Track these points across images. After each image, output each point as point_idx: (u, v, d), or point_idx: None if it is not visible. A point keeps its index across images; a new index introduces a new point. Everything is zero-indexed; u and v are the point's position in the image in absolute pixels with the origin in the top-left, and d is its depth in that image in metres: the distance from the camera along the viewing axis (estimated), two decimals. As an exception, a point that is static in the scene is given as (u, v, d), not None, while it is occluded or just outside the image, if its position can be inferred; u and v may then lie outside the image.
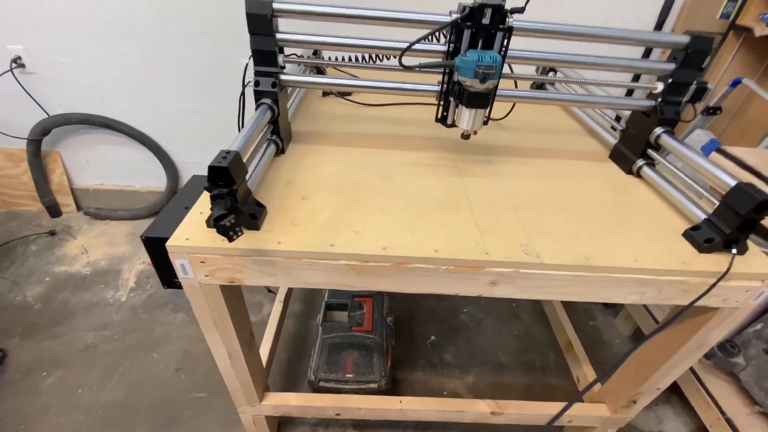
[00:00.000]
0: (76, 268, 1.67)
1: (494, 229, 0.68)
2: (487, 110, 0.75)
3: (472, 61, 0.66)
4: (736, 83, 1.31)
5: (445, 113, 0.81)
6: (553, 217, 0.73)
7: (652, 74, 0.82)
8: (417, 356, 1.40)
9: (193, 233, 0.61)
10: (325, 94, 1.20)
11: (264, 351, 1.11)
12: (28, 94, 1.63)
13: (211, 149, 1.87)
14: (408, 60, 0.73)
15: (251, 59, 0.78)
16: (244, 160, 0.64)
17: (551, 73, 1.24)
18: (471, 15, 0.67)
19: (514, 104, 1.07)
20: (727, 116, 1.56)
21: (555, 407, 1.03)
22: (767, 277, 0.65)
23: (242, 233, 0.53)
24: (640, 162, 0.87)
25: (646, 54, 1.54)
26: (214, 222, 0.51)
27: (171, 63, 1.58)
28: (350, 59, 0.81)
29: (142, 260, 1.71)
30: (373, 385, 1.07)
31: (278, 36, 0.73)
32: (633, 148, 0.89)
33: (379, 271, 0.62)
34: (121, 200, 1.94)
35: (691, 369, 1.19)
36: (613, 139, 0.98)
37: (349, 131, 0.99)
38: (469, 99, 0.71)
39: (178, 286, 0.70)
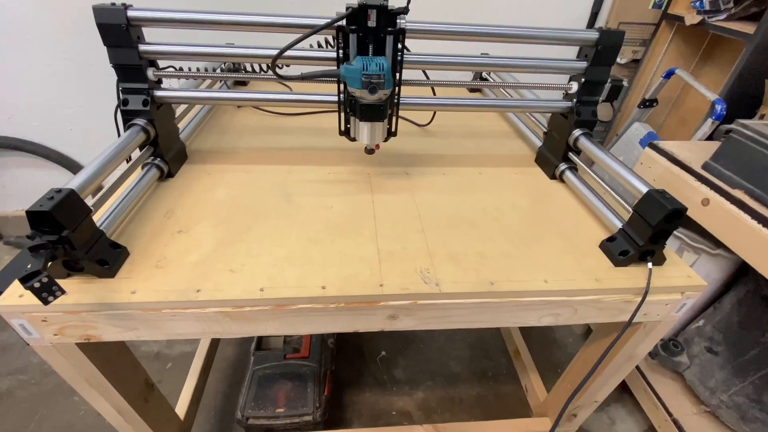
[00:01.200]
0: (-8, 306, 1.51)
1: (395, 255, 0.61)
2: (386, 123, 0.68)
3: (356, 70, 0.59)
4: (669, 74, 1.30)
5: (348, 125, 0.73)
6: (463, 236, 0.66)
7: (565, 73, 0.77)
8: (366, 375, 1.33)
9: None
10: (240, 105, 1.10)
11: (188, 389, 1.01)
12: None
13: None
14: (300, 69, 0.66)
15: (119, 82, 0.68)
16: (96, 196, 0.54)
17: (479, 77, 1.19)
18: (353, 17, 0.59)
19: (434, 112, 1.01)
20: (665, 107, 1.55)
21: (497, 427, 0.99)
22: (687, 289, 0.61)
23: (62, 293, 0.44)
24: (562, 166, 0.82)
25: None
26: (21, 282, 0.42)
27: (83, 74, 1.44)
28: (244, 69, 0.73)
29: (68, 291, 1.57)
30: (308, 418, 0.99)
31: (141, 48, 0.64)
32: (555, 152, 0.84)
33: (258, 315, 0.54)
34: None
35: (638, 368, 1.16)
36: (539, 142, 0.93)
37: (258, 146, 0.90)
38: (362, 112, 0.64)
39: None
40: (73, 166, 1.63)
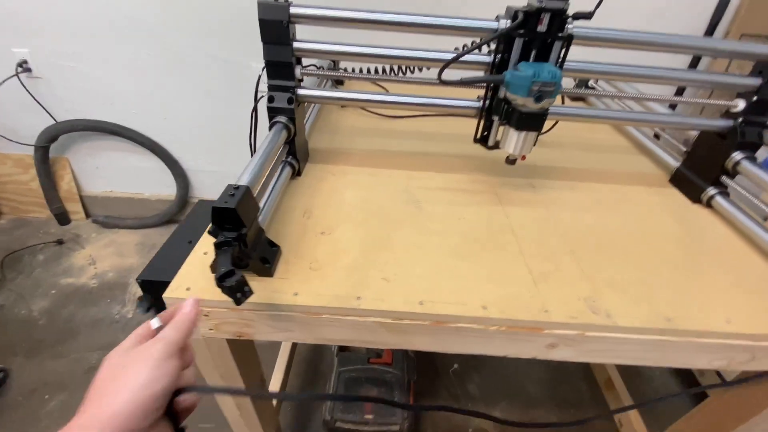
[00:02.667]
0: (83, 281, 1.61)
1: (550, 277, 0.57)
2: (539, 133, 0.64)
3: (527, 77, 0.55)
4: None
5: (485, 133, 0.70)
6: (617, 260, 0.61)
7: (731, 90, 0.69)
8: (439, 387, 1.30)
9: (195, 281, 0.52)
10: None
11: (274, 386, 1.02)
12: (35, 99, 1.57)
13: (222, 157, 1.80)
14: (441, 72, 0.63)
15: (264, 70, 0.68)
16: (256, 193, 0.54)
17: (598, 85, 1.12)
18: (525, 21, 0.56)
19: (556, 121, 0.95)
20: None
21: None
22: None
23: (251, 293, 0.43)
24: (711, 190, 0.74)
25: (694, 64, 1.40)
26: (218, 282, 0.42)
27: (179, 67, 1.50)
28: (375, 71, 0.71)
29: (150, 273, 1.64)
30: (395, 428, 0.97)
31: (296, 45, 0.63)
32: (702, 174, 0.76)
33: (414, 329, 0.52)
34: (130, 208, 1.88)
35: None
36: (674, 161, 0.86)
37: (371, 148, 0.89)
38: (520, 120, 0.60)
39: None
40: (164, 155, 1.70)
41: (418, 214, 0.68)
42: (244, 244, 0.48)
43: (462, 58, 0.63)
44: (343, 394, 0.99)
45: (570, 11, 0.56)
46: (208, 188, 1.87)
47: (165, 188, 1.84)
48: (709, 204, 0.76)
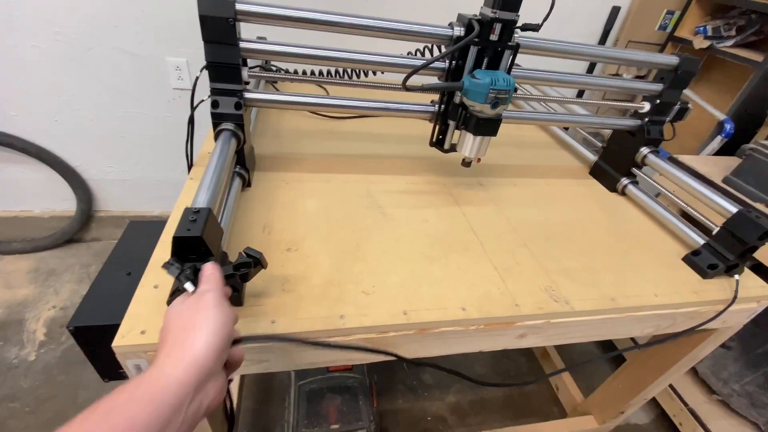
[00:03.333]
0: (-43, 323, 1.30)
1: (513, 271, 0.61)
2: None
3: (485, 85, 0.58)
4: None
5: (441, 136, 0.72)
6: (563, 250, 0.68)
7: (640, 94, 0.81)
8: (396, 381, 1.32)
9: (149, 321, 0.45)
10: (283, 104, 1.04)
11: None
12: None
13: (132, 163, 1.58)
14: (393, 76, 0.63)
15: (204, 71, 0.61)
16: (217, 214, 0.49)
17: (523, 88, 1.22)
18: (480, 30, 0.58)
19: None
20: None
21: (551, 428, 1.02)
22: (762, 299, 0.67)
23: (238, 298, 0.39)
24: (624, 180, 0.86)
25: (590, 70, 1.60)
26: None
27: (78, 60, 1.27)
28: (328, 73, 0.68)
29: (52, 304, 1.39)
30: (363, 431, 0.97)
31: (243, 45, 0.58)
32: (617, 166, 0.88)
33: (399, 340, 0.52)
34: (17, 229, 1.56)
35: (653, 364, 1.26)
36: (591, 155, 0.98)
37: (322, 152, 0.85)
38: (477, 126, 0.62)
39: (126, 377, 0.52)
40: (56, 163, 1.44)
41: (383, 219, 0.68)
42: (212, 274, 0.43)
43: (417, 63, 0.64)
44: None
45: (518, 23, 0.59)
46: (117, 200, 1.63)
47: (60, 202, 1.56)
48: (623, 192, 0.87)
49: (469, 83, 0.59)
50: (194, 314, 0.35)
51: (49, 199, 1.55)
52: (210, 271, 0.39)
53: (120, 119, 1.41)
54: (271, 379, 1.27)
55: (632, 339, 1.20)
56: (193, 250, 0.41)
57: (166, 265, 0.40)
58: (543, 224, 0.74)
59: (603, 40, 1.53)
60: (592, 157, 0.97)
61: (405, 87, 0.58)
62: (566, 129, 1.14)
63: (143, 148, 1.50)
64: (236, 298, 0.48)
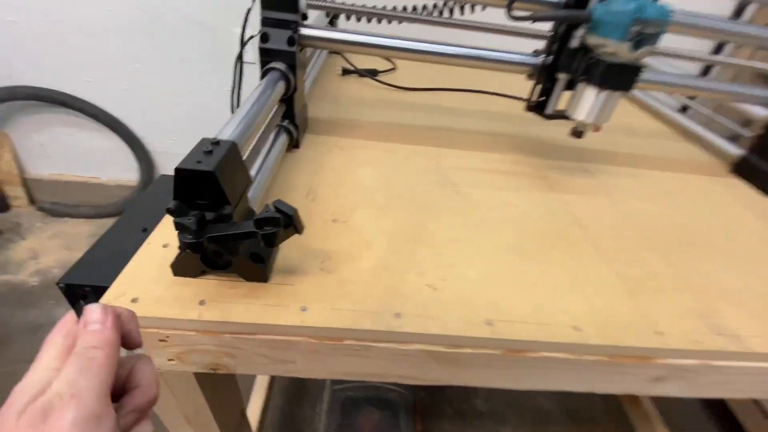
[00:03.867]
0: (21, 278, 1.36)
1: (646, 284, 0.42)
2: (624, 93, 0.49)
3: (626, 13, 0.40)
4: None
5: (543, 97, 0.55)
6: (713, 263, 0.47)
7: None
8: (442, 402, 1.15)
9: (145, 287, 0.34)
10: (345, 72, 0.93)
11: (253, 411, 0.84)
12: (-37, 59, 1.31)
13: (194, 137, 1.56)
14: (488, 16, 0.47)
15: (250, 11, 0.50)
16: (245, 156, 0.36)
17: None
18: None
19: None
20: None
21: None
22: None
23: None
24: (795, 181, 0.63)
25: (716, 50, 1.31)
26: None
27: (149, 29, 1.27)
28: (405, 9, 0.55)
29: (105, 270, 1.40)
30: (401, 458, 0.81)
31: (303, -39, 0.46)
32: (781, 161, 0.65)
33: (478, 361, 0.36)
34: (84, 194, 1.62)
35: None
36: (733, 148, 0.74)
37: (384, 120, 0.72)
38: (606, 74, 0.45)
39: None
40: (124, 132, 1.46)
41: (457, 198, 0.52)
42: (236, 236, 0.31)
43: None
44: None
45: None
46: (178, 174, 1.64)
47: (126, 172, 1.60)
48: (789, 197, 0.64)
49: (602, 11, 0.42)
50: None
51: (116, 167, 1.59)
52: (92, 337, 0.21)
53: (186, 91, 1.40)
54: (303, 380, 1.15)
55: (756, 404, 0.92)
56: (203, 193, 0.29)
57: (168, 211, 0.29)
58: (674, 226, 0.54)
59: (737, 15, 1.25)
60: (735, 151, 0.73)
61: (509, 12, 0.42)
62: (684, 111, 0.90)
63: (206, 123, 1.48)
64: (260, 271, 0.35)
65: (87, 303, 0.26)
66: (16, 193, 1.60)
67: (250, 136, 0.38)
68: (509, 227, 0.48)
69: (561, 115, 0.54)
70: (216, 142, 0.31)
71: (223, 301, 0.33)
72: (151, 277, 0.35)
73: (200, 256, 0.33)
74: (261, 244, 0.31)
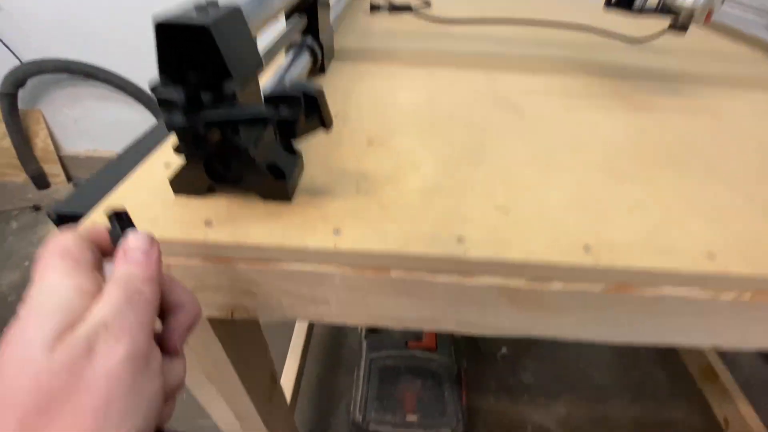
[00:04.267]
0: (63, 250, 1.39)
1: (792, 208, 0.31)
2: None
3: None
4: None
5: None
6: None
7: None
8: (487, 375, 1.07)
9: (139, 207, 0.27)
10: (374, 8, 0.83)
11: (287, 378, 0.79)
12: (-6, 33, 1.31)
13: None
14: None
15: None
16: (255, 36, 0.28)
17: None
18: None
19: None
20: None
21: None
22: None
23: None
24: None
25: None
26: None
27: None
28: None
29: (140, 242, 1.41)
30: (446, 430, 0.74)
31: None
32: None
33: (569, 302, 0.27)
34: (117, 170, 1.63)
35: None
36: None
37: (422, 48, 0.62)
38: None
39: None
40: (151, 103, 1.44)
41: (521, 120, 0.42)
42: (233, 126, 0.23)
43: None
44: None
45: None
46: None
47: (156, 146, 1.59)
48: None
49: None
50: (66, 394, 0.14)
51: (145, 141, 1.58)
52: (138, 251, 0.19)
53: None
54: (339, 345, 1.11)
55: None
56: (196, 61, 0.21)
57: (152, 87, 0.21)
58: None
59: None
60: None
61: None
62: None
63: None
64: (281, 188, 0.27)
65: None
66: (54, 171, 1.63)
67: (263, 17, 0.29)
68: (594, 148, 0.38)
69: (654, 9, 0.42)
70: (213, 3, 0.23)
71: (234, 222, 0.26)
72: (146, 197, 0.28)
73: (205, 166, 0.26)
74: (278, 143, 0.23)
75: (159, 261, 0.19)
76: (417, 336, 0.88)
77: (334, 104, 0.42)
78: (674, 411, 1.01)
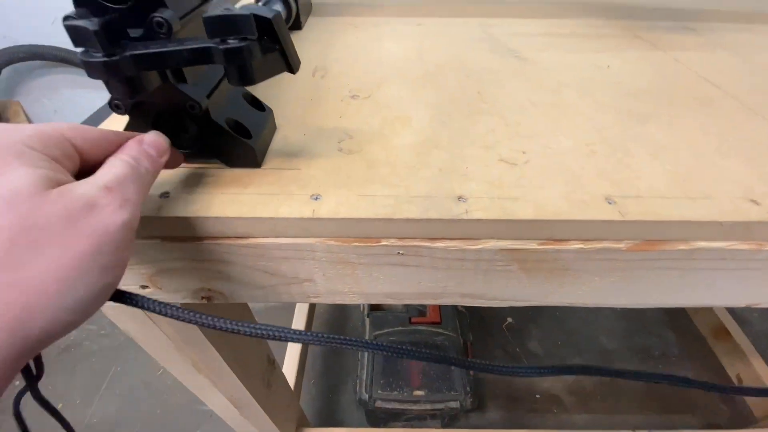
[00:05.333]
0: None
1: (840, 143, 0.27)
2: None
3: None
4: None
5: None
6: None
7: None
8: (491, 345, 1.06)
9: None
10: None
11: (289, 365, 0.77)
12: (-45, 20, 1.23)
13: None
14: None
15: None
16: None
17: None
18: None
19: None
20: None
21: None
22: None
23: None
24: None
25: None
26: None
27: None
28: None
29: (133, 232, 1.38)
30: (454, 405, 0.73)
31: None
32: None
33: (589, 264, 0.23)
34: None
35: None
36: None
37: (411, 2, 0.56)
38: None
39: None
40: (129, 85, 1.37)
41: (522, 64, 0.38)
42: (176, 62, 0.18)
43: None
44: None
45: None
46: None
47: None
48: None
49: None
50: (65, 232, 0.15)
51: (129, 128, 1.52)
52: (151, 157, 0.19)
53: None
54: (342, 324, 1.09)
55: None
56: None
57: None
58: None
59: None
60: None
61: None
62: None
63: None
64: (248, 151, 0.23)
65: None
66: (40, 164, 1.58)
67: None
68: (607, 89, 0.34)
69: None
70: None
71: (194, 192, 0.22)
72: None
73: (153, 127, 0.22)
74: (241, 98, 0.18)
75: (163, 164, 0.20)
76: (421, 311, 0.86)
77: (311, 60, 0.38)
78: (685, 372, 1.00)
